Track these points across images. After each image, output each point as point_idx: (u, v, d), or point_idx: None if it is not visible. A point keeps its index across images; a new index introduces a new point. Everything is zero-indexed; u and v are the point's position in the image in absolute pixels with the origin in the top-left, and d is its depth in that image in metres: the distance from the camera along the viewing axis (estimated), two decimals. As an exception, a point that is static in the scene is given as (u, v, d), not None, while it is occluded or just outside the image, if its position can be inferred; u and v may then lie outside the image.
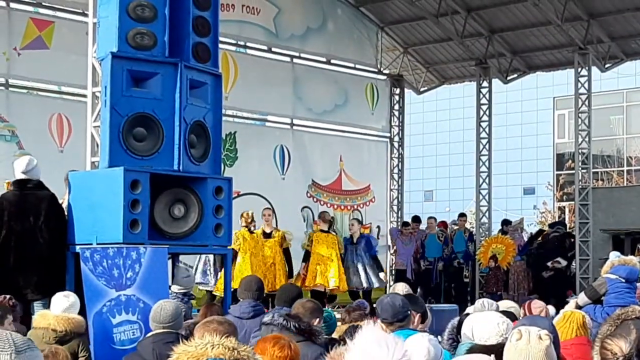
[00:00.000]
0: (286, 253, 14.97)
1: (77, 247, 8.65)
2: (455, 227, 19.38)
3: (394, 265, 19.12)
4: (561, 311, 7.34)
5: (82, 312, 7.59)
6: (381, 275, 16.52)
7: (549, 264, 17.33)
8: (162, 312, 6.18)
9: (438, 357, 4.46)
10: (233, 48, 18.14)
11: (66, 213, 9.16)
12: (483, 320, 5.19)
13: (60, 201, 9.39)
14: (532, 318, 4.25)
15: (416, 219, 19.44)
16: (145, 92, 9.04)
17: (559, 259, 17.45)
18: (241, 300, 7.87)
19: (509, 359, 3.70)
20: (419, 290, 17.14)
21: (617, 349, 4.13)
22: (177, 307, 6.31)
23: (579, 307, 9.57)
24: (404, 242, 18.47)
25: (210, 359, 3.51)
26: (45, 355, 4.58)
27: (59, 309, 7.18)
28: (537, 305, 6.74)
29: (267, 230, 14.93)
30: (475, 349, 4.37)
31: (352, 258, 16.06)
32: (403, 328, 5.63)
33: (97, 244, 8.45)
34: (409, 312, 5.84)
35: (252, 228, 14.47)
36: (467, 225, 20.96)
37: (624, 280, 9.87)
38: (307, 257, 15.54)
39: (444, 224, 19.70)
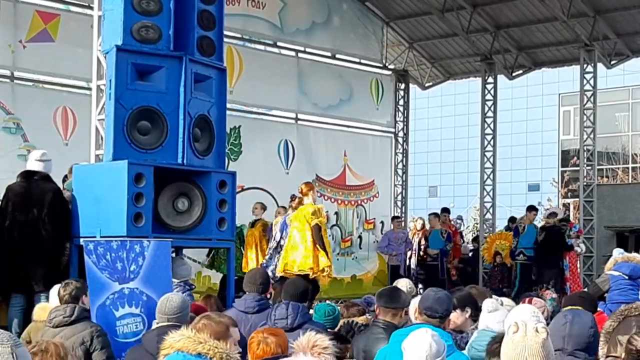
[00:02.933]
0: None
1: (81, 240, 8.65)
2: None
3: (388, 262, 19.07)
4: (563, 308, 7.33)
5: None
6: None
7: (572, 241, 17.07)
8: (168, 304, 6.17)
9: (440, 353, 4.45)
10: (238, 42, 18.14)
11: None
12: (517, 312, 5.20)
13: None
14: (575, 311, 4.24)
15: (445, 210, 19.35)
16: (149, 86, 9.05)
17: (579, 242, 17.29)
18: (247, 293, 7.84)
19: (506, 352, 3.71)
20: (419, 285, 17.07)
21: (638, 344, 4.12)
22: (183, 301, 6.29)
23: (581, 303, 9.57)
24: (396, 242, 18.44)
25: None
26: (34, 353, 4.57)
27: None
28: (536, 302, 6.73)
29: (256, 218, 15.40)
30: (499, 338, 4.36)
31: None
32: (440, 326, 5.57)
33: (101, 236, 8.46)
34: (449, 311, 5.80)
35: None
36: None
37: (627, 277, 9.86)
38: None
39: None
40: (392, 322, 6.16)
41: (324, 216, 12.72)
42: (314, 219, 11.80)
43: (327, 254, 11.77)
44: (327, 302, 8.97)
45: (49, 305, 7.23)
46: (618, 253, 10.48)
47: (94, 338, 6.48)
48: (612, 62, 20.26)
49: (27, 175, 9.24)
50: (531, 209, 18.19)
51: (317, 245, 11.73)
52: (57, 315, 6.61)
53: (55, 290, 7.33)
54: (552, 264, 16.58)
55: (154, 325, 6.45)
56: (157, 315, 6.26)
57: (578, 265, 17.72)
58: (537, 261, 16.90)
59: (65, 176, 10.60)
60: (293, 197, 13.87)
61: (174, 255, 9.51)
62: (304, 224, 11.83)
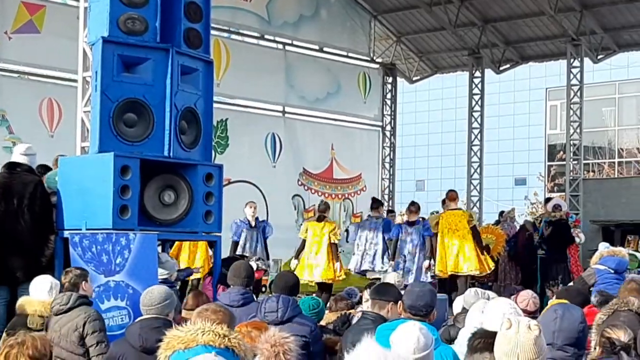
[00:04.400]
0: None
1: (66, 233, 8.62)
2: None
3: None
4: (549, 302, 7.35)
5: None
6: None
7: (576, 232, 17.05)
8: (149, 296, 6.17)
9: (428, 346, 4.44)
10: (225, 35, 18.09)
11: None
12: (494, 307, 5.21)
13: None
14: (565, 306, 4.26)
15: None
16: (136, 78, 8.99)
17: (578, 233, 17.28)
18: (231, 286, 7.82)
19: (499, 347, 3.71)
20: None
21: (616, 338, 4.15)
22: (165, 292, 6.27)
23: (567, 297, 9.60)
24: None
25: (200, 345, 3.50)
26: (10, 345, 4.54)
27: (42, 293, 7.14)
28: (523, 297, 6.73)
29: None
30: (479, 334, 4.37)
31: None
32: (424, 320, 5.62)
33: (87, 229, 8.42)
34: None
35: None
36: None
37: (612, 271, 9.89)
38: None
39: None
40: (380, 314, 6.17)
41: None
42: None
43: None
44: (312, 295, 8.97)
45: (33, 298, 7.19)
46: (604, 247, 10.51)
47: (87, 323, 6.53)
48: (599, 57, 20.32)
49: (11, 166, 9.19)
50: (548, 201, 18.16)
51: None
52: (56, 303, 6.69)
53: (35, 282, 7.28)
54: (560, 259, 16.43)
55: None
56: (141, 309, 6.24)
57: (578, 256, 17.70)
58: (545, 256, 16.81)
59: (45, 170, 10.41)
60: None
61: (160, 248, 9.50)
62: None
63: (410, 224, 15.08)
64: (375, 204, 15.78)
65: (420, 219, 15.51)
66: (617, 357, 4.23)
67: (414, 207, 15.22)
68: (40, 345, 4.64)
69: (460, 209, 15.17)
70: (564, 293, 7.23)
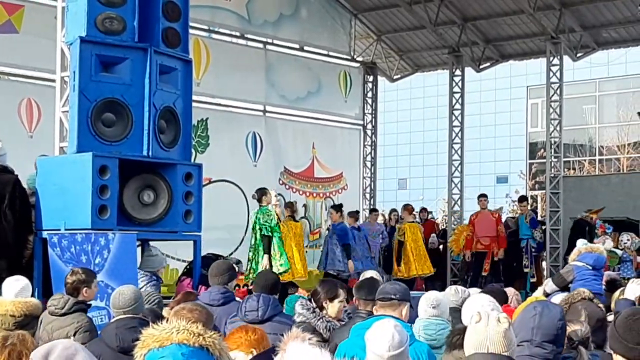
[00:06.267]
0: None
1: (45, 233, 8.60)
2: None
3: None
4: (528, 298, 7.40)
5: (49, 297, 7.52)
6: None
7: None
8: (121, 298, 6.12)
9: (403, 343, 4.46)
10: (205, 34, 18.05)
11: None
12: (472, 303, 5.25)
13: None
14: (544, 303, 4.29)
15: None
16: (114, 77, 8.99)
17: None
18: (211, 286, 7.81)
19: (469, 341, 3.74)
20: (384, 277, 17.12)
21: (573, 334, 4.19)
22: (136, 292, 6.24)
23: (546, 294, 9.66)
24: (371, 234, 18.42)
25: (174, 343, 3.50)
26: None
27: (12, 294, 7.08)
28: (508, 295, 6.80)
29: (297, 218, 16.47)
30: (458, 330, 4.40)
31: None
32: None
33: (65, 229, 8.42)
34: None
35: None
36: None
37: (590, 268, 9.96)
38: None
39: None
40: (373, 312, 6.19)
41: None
42: None
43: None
44: (298, 294, 8.99)
45: (4, 299, 7.11)
46: (582, 244, 10.57)
47: (77, 333, 6.46)
48: (578, 55, 20.40)
49: None
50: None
51: None
52: (52, 304, 6.64)
53: (8, 282, 7.20)
54: None
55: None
56: (112, 310, 6.21)
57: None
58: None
59: None
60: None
61: (139, 248, 9.49)
62: None
63: (357, 229, 16.65)
64: (335, 208, 16.59)
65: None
66: (576, 351, 4.26)
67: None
68: (12, 341, 4.61)
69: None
70: (486, 292, 7.23)
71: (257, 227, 12.95)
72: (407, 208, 18.26)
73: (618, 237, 17.37)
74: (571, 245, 16.23)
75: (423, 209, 20.95)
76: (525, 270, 17.92)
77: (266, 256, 12.67)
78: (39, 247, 8.87)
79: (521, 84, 49.32)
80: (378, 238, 18.21)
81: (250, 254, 13.18)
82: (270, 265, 12.66)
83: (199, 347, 3.47)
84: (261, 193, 13.15)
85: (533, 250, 17.96)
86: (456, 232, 18.99)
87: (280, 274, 11.90)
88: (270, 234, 12.80)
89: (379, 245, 18.19)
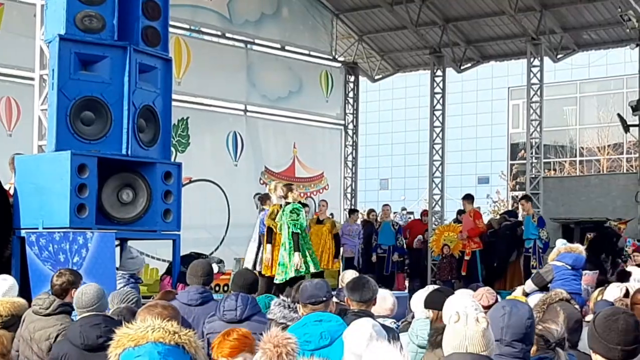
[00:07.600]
0: (336, 238, 16.63)
1: (23, 232, 8.55)
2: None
3: (343, 254, 19.07)
4: (506, 297, 7.41)
5: (28, 296, 7.48)
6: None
7: None
8: (84, 297, 6.07)
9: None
10: (186, 33, 18.00)
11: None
12: (454, 302, 5.26)
13: (7, 186, 9.27)
14: (512, 302, 4.30)
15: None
16: (93, 76, 8.96)
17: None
18: (189, 285, 7.77)
19: (447, 340, 3.73)
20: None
21: (549, 335, 4.20)
22: (99, 290, 6.18)
23: (525, 294, 9.68)
24: (350, 234, 18.43)
25: (150, 342, 3.49)
26: None
27: (0, 293, 7.05)
28: (478, 292, 6.80)
29: (321, 218, 16.82)
30: (441, 329, 4.39)
31: None
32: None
33: (43, 228, 8.37)
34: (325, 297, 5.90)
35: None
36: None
37: (570, 268, 9.99)
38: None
39: None
40: (367, 311, 6.18)
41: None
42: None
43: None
44: (266, 294, 8.98)
45: None
46: (561, 244, 10.60)
47: (59, 335, 6.39)
48: (559, 56, 20.48)
49: None
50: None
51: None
52: (37, 303, 6.57)
53: None
54: (595, 265, 15.74)
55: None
56: (76, 310, 6.16)
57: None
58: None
59: None
60: None
61: (118, 247, 9.44)
62: None
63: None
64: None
65: None
66: (554, 352, 4.27)
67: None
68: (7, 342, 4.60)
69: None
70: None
71: (284, 224, 12.03)
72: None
73: None
74: (596, 253, 16.03)
75: (403, 209, 20.97)
76: (533, 271, 17.84)
77: (297, 253, 11.77)
78: (16, 245, 8.81)
79: (502, 85, 49.48)
80: (356, 238, 18.27)
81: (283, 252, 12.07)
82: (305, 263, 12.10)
83: (175, 345, 3.47)
84: (287, 189, 12.73)
85: (540, 250, 17.89)
86: (437, 232, 19.02)
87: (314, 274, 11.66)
88: (299, 231, 11.94)
89: (358, 245, 18.24)
